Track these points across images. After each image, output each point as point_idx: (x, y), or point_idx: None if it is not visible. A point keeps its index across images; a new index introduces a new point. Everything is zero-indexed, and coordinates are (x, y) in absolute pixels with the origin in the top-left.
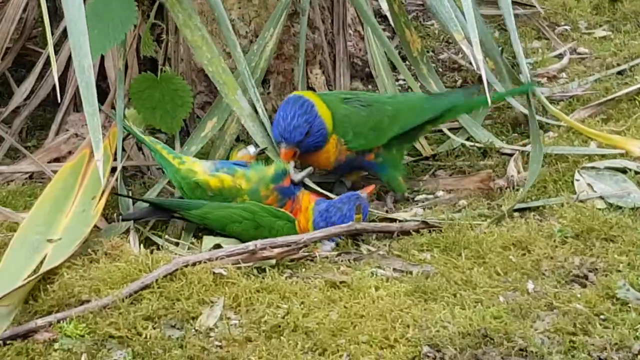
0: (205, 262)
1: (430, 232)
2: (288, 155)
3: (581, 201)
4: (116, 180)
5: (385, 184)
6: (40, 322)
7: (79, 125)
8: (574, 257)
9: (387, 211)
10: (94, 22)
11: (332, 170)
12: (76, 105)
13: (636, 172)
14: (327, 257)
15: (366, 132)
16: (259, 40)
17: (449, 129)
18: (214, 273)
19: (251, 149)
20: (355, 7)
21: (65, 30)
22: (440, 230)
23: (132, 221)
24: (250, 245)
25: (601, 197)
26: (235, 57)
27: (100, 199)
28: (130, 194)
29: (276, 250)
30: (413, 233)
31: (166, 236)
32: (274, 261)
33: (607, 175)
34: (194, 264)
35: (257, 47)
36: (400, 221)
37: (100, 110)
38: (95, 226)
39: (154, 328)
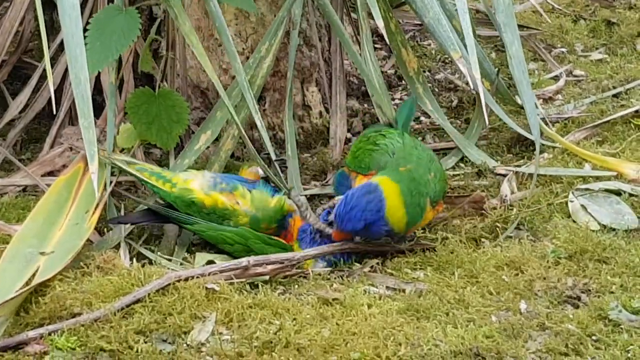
0: (197, 277)
1: (423, 251)
2: (341, 237)
3: (575, 222)
4: (109, 194)
5: None
6: (31, 334)
7: (74, 138)
8: (567, 278)
9: None
10: (97, 35)
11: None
12: (71, 118)
13: (630, 194)
14: (320, 274)
15: None
16: (254, 56)
17: (443, 149)
18: (206, 288)
19: (260, 171)
20: (337, 33)
21: (61, 43)
22: (434, 250)
23: (124, 225)
24: (243, 261)
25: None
26: (235, 68)
27: (93, 213)
28: (123, 208)
29: (269, 267)
30: (406, 252)
31: (159, 253)
32: (267, 277)
33: (601, 197)
34: (186, 279)
35: (253, 61)
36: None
37: (95, 124)
38: (88, 240)
39: (146, 342)
